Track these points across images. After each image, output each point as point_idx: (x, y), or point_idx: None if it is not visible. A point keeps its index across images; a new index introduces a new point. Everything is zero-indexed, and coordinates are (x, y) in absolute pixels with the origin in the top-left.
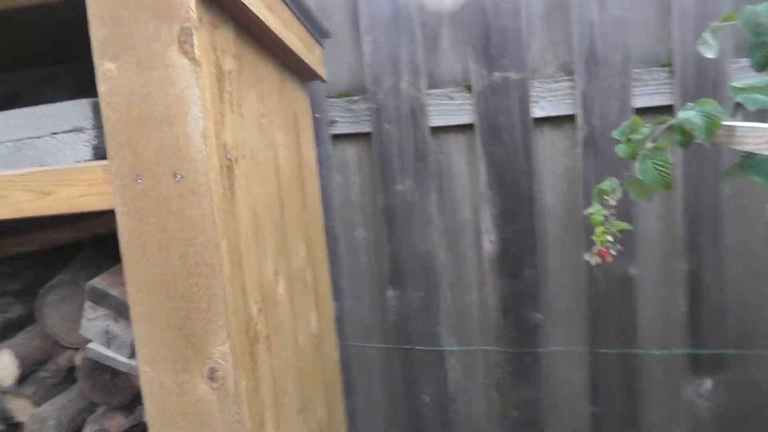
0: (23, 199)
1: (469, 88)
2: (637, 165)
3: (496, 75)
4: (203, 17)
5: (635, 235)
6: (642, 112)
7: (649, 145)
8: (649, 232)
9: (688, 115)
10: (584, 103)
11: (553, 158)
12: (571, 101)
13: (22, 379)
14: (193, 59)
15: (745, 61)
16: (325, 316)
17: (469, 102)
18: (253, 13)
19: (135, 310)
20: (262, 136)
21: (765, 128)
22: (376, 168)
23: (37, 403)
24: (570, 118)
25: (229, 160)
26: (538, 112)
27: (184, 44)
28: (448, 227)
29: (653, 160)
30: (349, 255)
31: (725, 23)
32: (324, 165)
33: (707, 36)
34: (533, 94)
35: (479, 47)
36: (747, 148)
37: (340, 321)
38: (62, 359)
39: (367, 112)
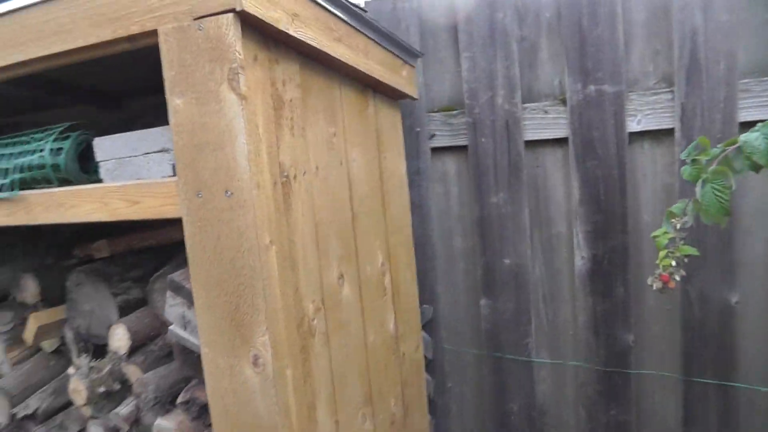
0: (119, 206)
1: (564, 102)
2: (697, 189)
3: (591, 88)
4: (258, 56)
5: (735, 259)
6: (749, 126)
7: (713, 167)
8: (754, 257)
9: (750, 138)
10: (683, 116)
11: (652, 174)
12: (670, 114)
13: (134, 350)
14: (239, 95)
15: None
16: (407, 319)
17: (564, 116)
18: (315, 48)
19: (197, 302)
20: (331, 154)
21: None
22: (473, 180)
23: (144, 371)
24: (669, 132)
25: (285, 177)
26: (633, 126)
27: (233, 82)
28: (542, 241)
29: (713, 184)
30: (446, 262)
31: None
32: (423, 176)
33: None
34: (630, 107)
35: (574, 60)
36: None
37: (435, 324)
38: (169, 336)
39: (465, 126)
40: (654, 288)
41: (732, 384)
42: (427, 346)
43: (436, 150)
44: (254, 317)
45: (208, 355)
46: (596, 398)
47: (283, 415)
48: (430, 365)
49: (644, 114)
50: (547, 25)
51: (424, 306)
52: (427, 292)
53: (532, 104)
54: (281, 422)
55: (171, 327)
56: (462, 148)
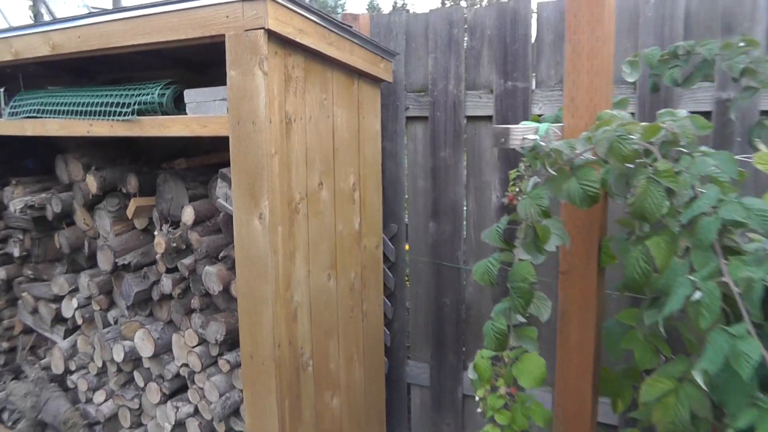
0: (196, 128)
1: (492, 91)
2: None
3: (509, 84)
4: (277, 51)
5: None
6: None
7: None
8: None
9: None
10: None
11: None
12: (560, 105)
13: (196, 224)
14: (264, 72)
15: None
16: (370, 224)
17: (491, 101)
18: (313, 50)
19: (233, 184)
20: (321, 111)
21: None
22: (430, 140)
23: (201, 236)
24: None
25: (288, 119)
26: (536, 111)
27: (261, 65)
28: (474, 185)
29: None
30: (411, 196)
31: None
32: (399, 135)
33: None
34: (535, 98)
35: (500, 64)
36: None
37: (398, 238)
38: (219, 218)
39: (428, 103)
40: (506, 203)
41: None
42: (390, 252)
43: (409, 118)
44: (261, 192)
45: (236, 213)
46: (505, 296)
47: (273, 252)
48: (393, 267)
49: (544, 103)
50: (488, 38)
51: (392, 224)
52: (395, 216)
53: (472, 91)
54: (272, 257)
55: (218, 200)
56: (425, 118)
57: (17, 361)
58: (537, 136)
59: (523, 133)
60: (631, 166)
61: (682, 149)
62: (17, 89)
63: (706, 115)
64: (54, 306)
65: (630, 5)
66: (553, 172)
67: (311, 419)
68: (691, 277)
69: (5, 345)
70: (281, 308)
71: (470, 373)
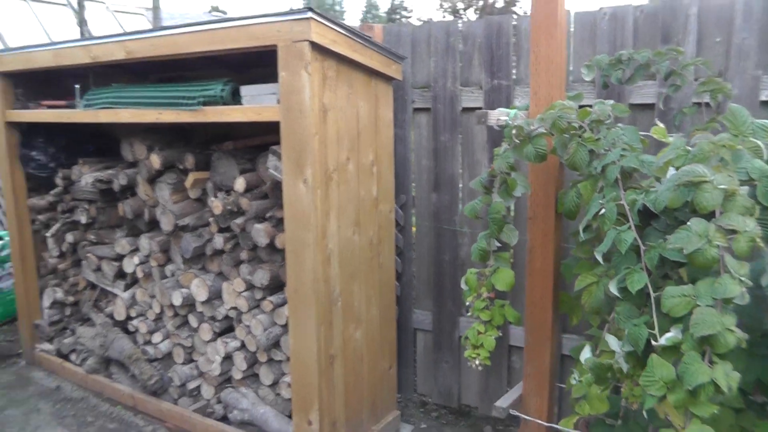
0: (251, 115)
1: (481, 88)
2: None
3: (495, 82)
4: (317, 57)
5: None
6: None
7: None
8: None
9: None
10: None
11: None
12: None
13: (246, 191)
14: (308, 73)
15: None
16: (384, 192)
17: (481, 95)
18: (342, 55)
19: (283, 156)
20: (348, 103)
21: None
22: (432, 127)
23: (250, 201)
24: None
25: (325, 108)
26: (516, 103)
27: (306, 67)
28: (467, 162)
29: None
30: (416, 172)
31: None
32: (407, 123)
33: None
34: (515, 94)
35: (488, 66)
36: None
37: (407, 206)
38: (266, 186)
39: (430, 98)
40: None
41: None
42: (400, 217)
43: (415, 110)
44: (305, 162)
45: (285, 178)
46: None
47: (314, 208)
48: (402, 231)
49: (522, 97)
50: (478, 45)
51: (402, 195)
52: (404, 188)
53: (466, 88)
54: (313, 212)
55: (270, 170)
56: (428, 109)
57: (83, 311)
58: (507, 118)
59: (498, 115)
60: (567, 136)
61: (606, 125)
62: (86, 87)
63: (651, 105)
64: (116, 264)
65: (590, 19)
66: (517, 141)
67: (339, 345)
68: (601, 201)
69: (71, 299)
70: (319, 253)
71: (462, 284)
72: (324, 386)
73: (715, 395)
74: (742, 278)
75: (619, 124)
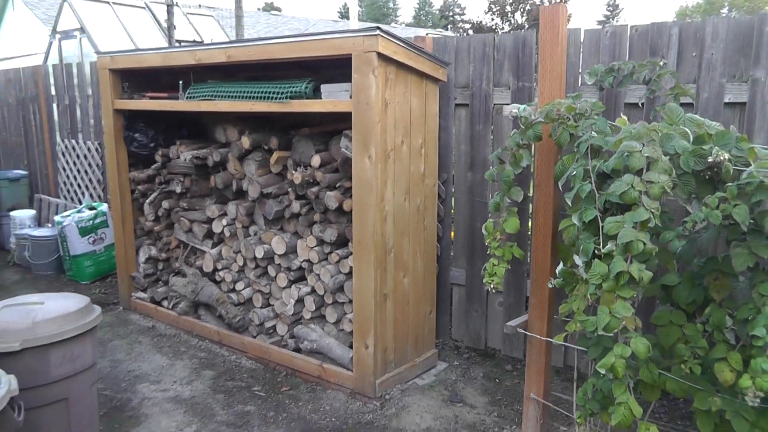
0: (329, 107)
1: (509, 88)
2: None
3: (519, 83)
4: (381, 63)
5: None
6: None
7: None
8: None
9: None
10: None
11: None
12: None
13: (320, 166)
14: (375, 75)
15: None
16: (430, 169)
17: (509, 93)
18: (400, 62)
19: (353, 138)
20: (403, 99)
21: None
22: (469, 119)
23: (324, 174)
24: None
25: (386, 102)
26: (535, 100)
27: (373, 71)
28: (497, 147)
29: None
30: (455, 156)
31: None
32: (450, 116)
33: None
34: (534, 93)
35: (515, 70)
36: None
37: (448, 183)
38: (338, 162)
39: (469, 95)
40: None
41: None
42: (442, 191)
43: (457, 105)
44: (370, 143)
45: (354, 155)
46: None
47: (375, 178)
48: (443, 202)
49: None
50: (508, 54)
51: (443, 173)
52: (446, 168)
53: (497, 88)
54: (375, 181)
55: (343, 148)
56: (467, 105)
57: (174, 266)
58: (518, 111)
59: (510, 109)
60: (557, 124)
61: (587, 117)
62: (185, 83)
63: (642, 105)
64: (205, 225)
65: (595, 36)
66: (523, 127)
67: (391, 287)
68: (575, 165)
69: (163, 255)
70: (378, 213)
71: (483, 229)
72: (378, 318)
73: (635, 286)
74: (653, 210)
75: (596, 116)
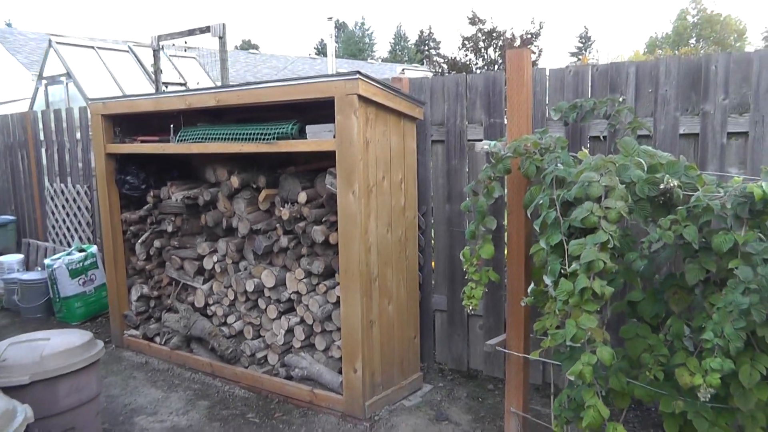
0: (313, 146)
1: (482, 124)
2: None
3: (491, 120)
4: (362, 105)
5: None
6: None
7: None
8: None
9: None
10: None
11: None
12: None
13: (307, 202)
14: (356, 116)
15: None
16: (409, 203)
17: (482, 130)
18: (379, 103)
19: (338, 174)
20: (383, 137)
21: None
22: (446, 154)
23: (310, 210)
24: None
25: (367, 141)
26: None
27: (354, 113)
28: (474, 178)
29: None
30: (434, 189)
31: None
32: (427, 152)
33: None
34: (504, 130)
35: (486, 108)
36: None
37: (427, 214)
38: (323, 198)
39: (444, 132)
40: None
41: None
42: (422, 223)
43: (433, 141)
44: (354, 180)
45: (339, 191)
46: None
47: (359, 212)
48: (423, 233)
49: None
50: (479, 93)
51: (423, 206)
52: (425, 200)
53: (471, 124)
54: (358, 215)
55: (328, 185)
56: (443, 141)
57: (166, 303)
58: (488, 146)
59: (482, 145)
60: (524, 158)
61: (551, 151)
62: (175, 127)
63: (604, 138)
64: (196, 262)
65: (560, 75)
66: (494, 161)
67: (377, 313)
68: (542, 194)
69: (155, 293)
70: (363, 244)
71: (461, 256)
72: (366, 343)
73: (599, 300)
74: (611, 233)
75: (560, 150)
